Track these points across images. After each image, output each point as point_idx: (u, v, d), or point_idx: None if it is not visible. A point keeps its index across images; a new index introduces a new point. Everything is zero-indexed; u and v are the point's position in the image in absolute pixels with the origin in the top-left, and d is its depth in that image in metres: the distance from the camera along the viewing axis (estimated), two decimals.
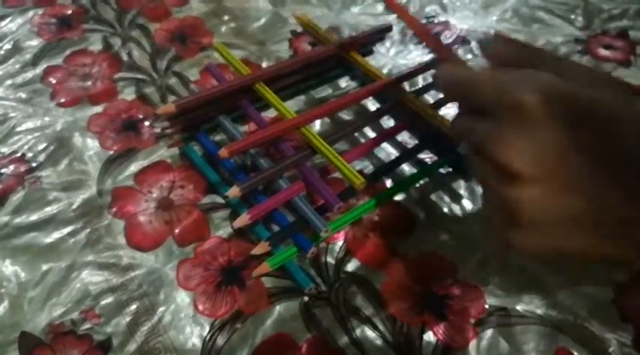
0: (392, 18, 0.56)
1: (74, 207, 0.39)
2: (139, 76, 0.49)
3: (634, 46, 0.53)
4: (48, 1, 0.56)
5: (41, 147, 0.43)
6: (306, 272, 0.35)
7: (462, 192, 0.41)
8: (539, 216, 0.24)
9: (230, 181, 0.40)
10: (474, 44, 0.53)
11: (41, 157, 0.42)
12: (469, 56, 0.52)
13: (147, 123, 0.45)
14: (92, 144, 0.43)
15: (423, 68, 0.44)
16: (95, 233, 0.37)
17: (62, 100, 0.46)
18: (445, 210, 0.40)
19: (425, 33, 0.37)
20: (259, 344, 0.33)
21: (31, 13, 0.54)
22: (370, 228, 0.38)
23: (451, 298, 0.35)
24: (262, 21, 0.55)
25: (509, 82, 0.25)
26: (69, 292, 0.34)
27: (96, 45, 0.52)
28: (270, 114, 0.45)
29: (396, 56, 0.52)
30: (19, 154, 0.42)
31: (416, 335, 0.33)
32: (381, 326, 0.33)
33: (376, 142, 0.41)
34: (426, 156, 0.43)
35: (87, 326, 0.33)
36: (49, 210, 0.39)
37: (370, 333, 0.33)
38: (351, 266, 0.36)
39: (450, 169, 0.42)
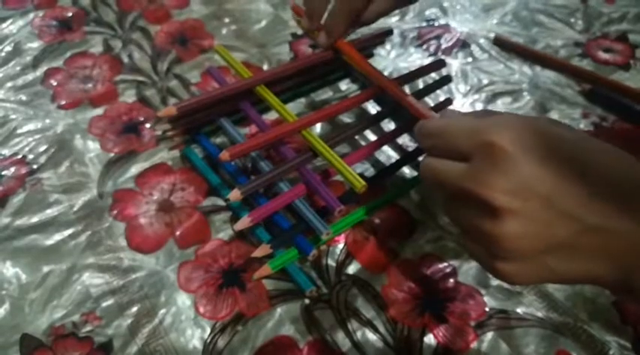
0: (392, 21, 0.56)
1: (75, 209, 0.39)
2: (140, 79, 0.49)
3: (633, 49, 0.54)
4: (49, 3, 0.56)
5: (42, 149, 0.43)
6: (307, 275, 0.35)
7: None
8: (523, 247, 0.25)
9: (231, 184, 0.40)
10: (474, 47, 0.53)
11: (42, 159, 0.42)
12: (469, 59, 0.52)
13: (148, 126, 0.45)
14: (93, 146, 0.43)
15: (423, 70, 0.44)
16: (96, 235, 0.38)
17: (63, 102, 0.46)
18: None
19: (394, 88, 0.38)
20: (260, 346, 0.33)
21: (31, 15, 0.54)
22: (371, 231, 0.38)
23: (451, 301, 0.35)
24: (263, 23, 0.55)
25: (480, 125, 0.26)
26: (70, 294, 0.34)
27: (96, 47, 0.52)
28: (271, 116, 0.45)
29: (397, 59, 0.52)
30: (19, 156, 0.42)
31: (416, 337, 0.33)
32: (381, 329, 0.34)
33: (377, 145, 0.41)
34: None
35: (88, 328, 0.33)
36: (50, 212, 0.39)
37: (371, 336, 0.33)
38: (351, 268, 0.36)
39: None
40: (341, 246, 0.38)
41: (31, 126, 0.44)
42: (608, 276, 0.24)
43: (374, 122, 0.43)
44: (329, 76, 0.48)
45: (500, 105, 0.48)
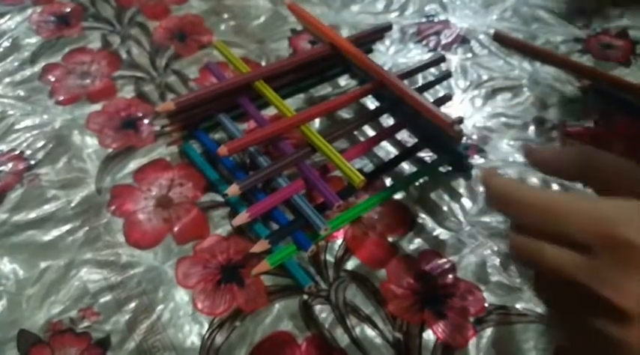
0: (392, 17, 0.56)
1: (73, 204, 0.39)
2: (138, 74, 0.49)
3: (634, 45, 0.53)
4: None
5: (40, 144, 0.42)
6: (305, 271, 0.35)
7: (462, 190, 0.41)
8: None
9: (229, 179, 0.40)
10: (473, 43, 0.53)
11: (40, 155, 0.42)
12: (469, 55, 0.52)
13: (146, 121, 0.44)
14: (91, 142, 0.43)
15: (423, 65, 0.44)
16: (94, 231, 0.37)
17: (61, 98, 0.46)
18: (445, 208, 0.40)
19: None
20: (258, 342, 0.32)
21: (29, 11, 0.54)
22: (370, 227, 0.38)
23: (451, 296, 0.35)
24: (262, 19, 0.55)
25: (603, 212, 0.23)
26: (67, 290, 0.34)
27: (95, 43, 0.51)
28: (269, 112, 0.45)
29: (396, 55, 0.52)
30: (17, 152, 0.42)
31: (415, 333, 0.33)
32: (380, 325, 0.33)
33: (376, 141, 0.41)
34: (426, 155, 0.43)
35: (85, 324, 0.33)
36: (48, 207, 0.39)
37: (370, 332, 0.33)
38: (350, 264, 0.36)
39: (450, 168, 0.42)
40: (340, 241, 0.37)
41: (28, 122, 0.44)
42: None
43: (373, 117, 0.43)
44: (328, 71, 0.48)
45: (500, 100, 0.48)
